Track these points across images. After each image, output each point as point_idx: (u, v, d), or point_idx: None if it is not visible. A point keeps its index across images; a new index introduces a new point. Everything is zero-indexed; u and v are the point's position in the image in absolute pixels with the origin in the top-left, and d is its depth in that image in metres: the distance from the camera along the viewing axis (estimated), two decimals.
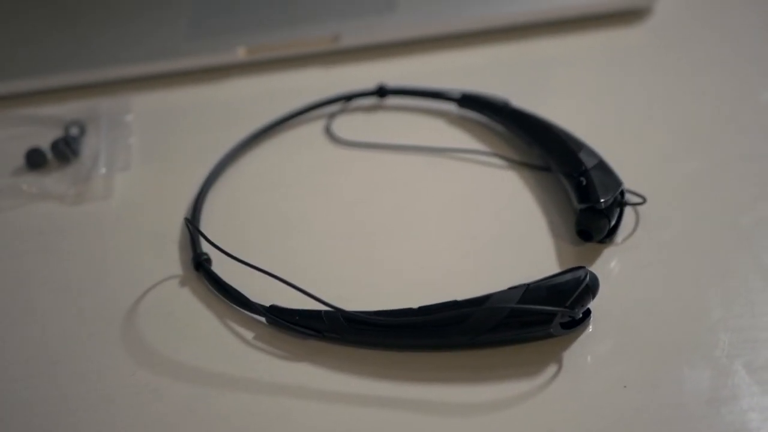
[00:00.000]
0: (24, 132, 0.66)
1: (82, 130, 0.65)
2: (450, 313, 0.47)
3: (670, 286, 0.51)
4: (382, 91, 0.65)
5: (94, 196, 0.61)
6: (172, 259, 0.56)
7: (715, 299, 0.50)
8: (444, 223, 0.57)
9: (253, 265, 0.50)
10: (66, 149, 0.63)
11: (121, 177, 0.62)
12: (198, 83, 0.70)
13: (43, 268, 0.57)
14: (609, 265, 0.53)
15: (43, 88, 0.69)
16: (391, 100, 0.66)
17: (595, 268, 0.51)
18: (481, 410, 0.47)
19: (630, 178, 0.55)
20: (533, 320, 0.47)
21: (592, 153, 0.56)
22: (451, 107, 0.64)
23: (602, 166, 0.55)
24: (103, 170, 0.62)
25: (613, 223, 0.53)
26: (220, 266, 0.53)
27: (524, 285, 0.47)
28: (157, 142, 0.65)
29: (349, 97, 0.66)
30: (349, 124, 0.64)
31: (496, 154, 0.60)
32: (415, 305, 0.48)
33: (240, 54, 0.70)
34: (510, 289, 0.47)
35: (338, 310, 0.48)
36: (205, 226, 0.57)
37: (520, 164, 0.60)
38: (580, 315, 0.48)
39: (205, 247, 0.55)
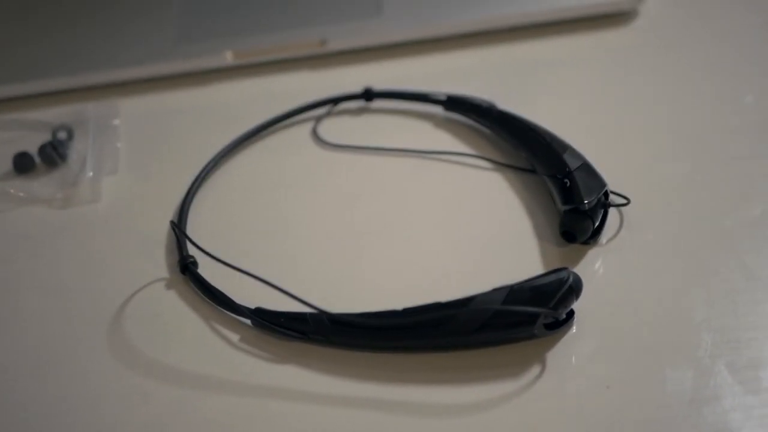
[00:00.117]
0: (11, 136, 0.66)
1: (70, 135, 0.65)
2: (434, 314, 0.48)
3: (654, 287, 0.52)
4: (368, 94, 0.65)
5: (82, 199, 0.61)
6: (158, 263, 0.56)
7: (699, 300, 0.51)
8: (429, 225, 0.57)
9: (238, 267, 0.51)
10: (53, 153, 0.63)
11: (108, 181, 0.62)
12: (186, 87, 0.70)
13: (31, 271, 0.57)
14: (593, 266, 0.53)
15: (31, 92, 0.69)
16: (378, 103, 0.66)
17: (579, 269, 0.51)
18: (466, 411, 0.47)
19: (614, 180, 0.55)
20: (517, 321, 0.47)
21: (576, 155, 0.56)
22: (438, 110, 0.64)
23: (586, 168, 0.55)
24: (90, 174, 0.62)
25: (597, 224, 0.53)
26: (207, 269, 0.54)
27: (508, 286, 0.48)
28: (144, 146, 0.65)
29: (335, 101, 0.66)
30: (336, 127, 0.65)
31: (481, 157, 0.61)
32: (400, 307, 0.48)
33: (228, 58, 0.70)
34: (494, 290, 0.48)
35: (323, 312, 0.49)
36: (191, 229, 0.57)
37: (505, 166, 0.60)
38: (564, 316, 0.48)
39: (192, 250, 0.55)
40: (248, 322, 0.51)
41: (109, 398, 0.50)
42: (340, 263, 0.55)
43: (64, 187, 0.62)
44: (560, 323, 0.48)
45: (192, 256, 0.54)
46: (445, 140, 0.63)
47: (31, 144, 0.64)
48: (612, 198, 0.55)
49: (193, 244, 0.54)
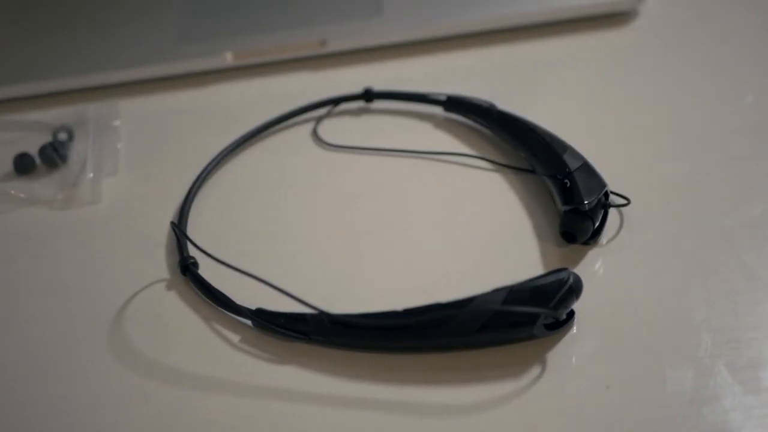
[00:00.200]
0: (12, 137, 0.66)
1: (70, 136, 0.65)
2: (434, 315, 0.48)
3: (654, 287, 0.52)
4: (368, 95, 0.65)
5: (82, 201, 0.61)
6: (159, 263, 0.56)
7: (698, 300, 0.51)
8: (429, 226, 0.57)
9: (239, 268, 0.50)
10: (54, 154, 0.63)
11: (108, 182, 0.62)
12: (186, 88, 0.70)
13: (31, 272, 0.57)
14: (593, 267, 0.53)
15: (31, 93, 0.69)
16: (378, 104, 0.66)
17: (580, 270, 0.51)
18: (466, 411, 0.47)
19: (615, 180, 0.55)
20: (517, 322, 0.47)
21: (576, 155, 0.56)
22: (438, 110, 0.64)
23: (586, 168, 0.55)
24: (90, 175, 0.62)
25: (597, 224, 0.53)
26: (207, 270, 0.54)
27: (508, 287, 0.48)
28: (144, 146, 0.65)
29: (336, 101, 0.66)
30: (336, 128, 0.65)
31: (481, 157, 0.61)
32: (400, 307, 0.48)
33: (228, 59, 0.70)
34: (494, 290, 0.48)
35: (323, 313, 0.49)
36: (192, 230, 0.57)
37: (505, 167, 0.60)
38: (564, 316, 0.48)
39: (192, 251, 0.55)
40: (249, 322, 0.51)
41: (110, 399, 0.50)
42: (340, 264, 0.55)
43: (64, 188, 0.62)
44: (560, 324, 0.48)
45: (192, 257, 0.55)
46: (445, 141, 0.63)
47: (32, 145, 0.64)
48: (612, 198, 0.55)
49: (194, 244, 0.54)
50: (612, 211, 0.55)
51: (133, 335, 0.52)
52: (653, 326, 0.50)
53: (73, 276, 0.57)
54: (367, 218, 0.58)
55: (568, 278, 0.48)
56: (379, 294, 0.52)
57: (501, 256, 0.54)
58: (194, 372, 0.50)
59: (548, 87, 0.67)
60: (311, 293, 0.49)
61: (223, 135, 0.64)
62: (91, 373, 0.51)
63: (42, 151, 0.63)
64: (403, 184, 0.60)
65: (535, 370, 0.48)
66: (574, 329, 0.49)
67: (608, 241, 0.54)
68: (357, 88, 0.66)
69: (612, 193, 0.55)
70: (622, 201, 0.55)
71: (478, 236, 0.56)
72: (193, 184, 0.60)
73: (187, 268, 0.54)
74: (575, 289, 0.48)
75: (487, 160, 0.60)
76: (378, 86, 0.66)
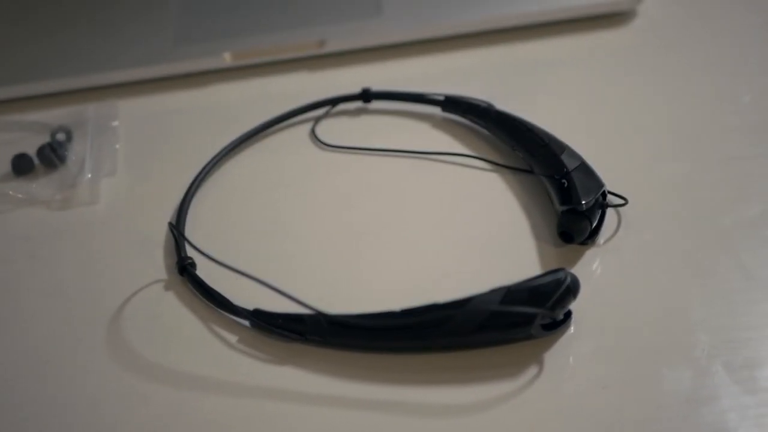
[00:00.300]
0: (10, 138, 0.66)
1: (69, 136, 0.65)
2: (432, 315, 0.48)
3: (651, 287, 0.52)
4: (366, 95, 0.65)
5: (80, 201, 0.61)
6: (157, 264, 0.56)
7: (696, 300, 0.51)
8: (427, 226, 0.57)
9: (236, 268, 0.50)
10: (52, 155, 0.63)
11: (107, 182, 0.63)
12: (184, 88, 0.70)
13: (30, 273, 0.57)
14: (591, 267, 0.53)
15: (30, 94, 0.69)
16: (376, 104, 0.66)
17: (577, 270, 0.52)
18: (464, 411, 0.47)
19: (612, 180, 0.55)
20: (514, 322, 0.47)
21: (574, 155, 0.56)
22: (436, 110, 0.64)
23: (584, 168, 0.55)
24: (89, 176, 0.62)
25: (594, 224, 0.53)
26: (205, 270, 0.54)
27: (505, 287, 0.48)
28: (143, 147, 0.66)
29: (334, 101, 0.66)
30: (334, 128, 0.65)
31: (479, 157, 0.61)
32: (397, 308, 0.48)
33: (226, 59, 0.70)
34: (491, 291, 0.48)
35: (320, 314, 0.49)
36: (190, 230, 0.57)
37: (503, 167, 0.60)
38: (561, 316, 0.48)
39: (190, 251, 0.55)
40: (246, 323, 0.51)
41: (108, 399, 0.50)
42: (338, 264, 0.55)
43: (62, 189, 0.62)
44: (558, 324, 0.48)
45: (190, 258, 0.55)
46: (443, 141, 0.63)
47: (30, 145, 0.64)
48: (610, 198, 0.55)
49: (191, 245, 0.54)
50: (610, 211, 0.55)
51: (130, 335, 0.52)
52: (651, 326, 0.50)
53: (71, 276, 0.57)
54: (365, 218, 0.58)
55: (566, 278, 0.48)
56: (376, 294, 0.52)
57: (499, 256, 0.54)
58: (192, 372, 0.50)
59: (546, 87, 0.67)
60: (309, 293, 0.49)
61: (222, 135, 0.64)
62: (88, 373, 0.51)
63: (40, 151, 0.63)
64: (401, 184, 0.60)
65: (532, 371, 0.48)
66: (572, 329, 0.49)
67: (606, 241, 0.54)
68: (355, 89, 0.66)
69: (610, 193, 0.55)
70: (619, 201, 0.55)
71: (475, 236, 0.56)
72: (191, 184, 0.60)
73: (184, 268, 0.54)
74: (572, 289, 0.48)
75: (485, 160, 0.60)
76: (377, 86, 0.66)
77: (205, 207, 0.60)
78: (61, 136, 0.65)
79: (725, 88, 0.65)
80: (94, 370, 0.51)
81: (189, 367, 0.50)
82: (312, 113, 0.66)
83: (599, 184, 0.54)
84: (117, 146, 0.65)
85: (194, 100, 0.69)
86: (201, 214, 0.59)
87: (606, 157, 0.57)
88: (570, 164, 0.55)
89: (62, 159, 0.64)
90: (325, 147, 0.63)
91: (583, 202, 0.53)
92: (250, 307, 0.51)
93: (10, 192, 0.62)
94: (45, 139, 0.65)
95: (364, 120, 0.66)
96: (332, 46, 0.70)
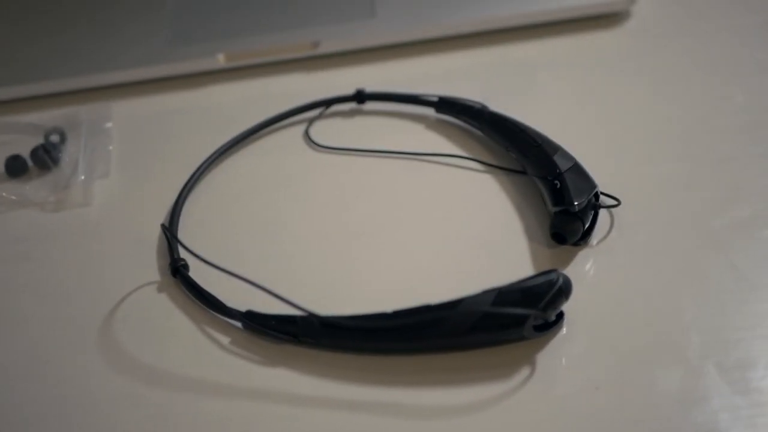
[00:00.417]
0: (4, 139, 0.66)
1: (62, 138, 0.65)
2: (424, 316, 0.48)
3: (644, 288, 0.52)
4: (360, 97, 0.65)
5: (74, 203, 0.61)
6: (150, 266, 0.56)
7: (688, 300, 0.51)
8: (420, 227, 0.57)
9: (228, 270, 0.50)
10: (46, 157, 0.63)
11: (100, 184, 0.63)
12: (178, 90, 0.70)
13: (22, 274, 0.57)
14: (583, 268, 0.53)
15: (23, 95, 0.69)
16: (370, 105, 0.66)
17: (570, 271, 0.52)
18: (455, 413, 0.47)
19: (605, 181, 0.55)
20: (507, 323, 0.48)
21: (567, 156, 0.56)
22: (429, 112, 0.64)
23: (577, 169, 0.55)
24: (82, 177, 0.62)
25: (587, 225, 0.53)
26: (198, 272, 0.54)
27: (497, 288, 0.48)
28: (137, 149, 0.66)
29: (327, 103, 0.66)
30: (328, 130, 0.65)
31: (473, 158, 0.61)
32: (390, 309, 0.48)
33: (220, 60, 0.70)
34: (483, 292, 0.48)
35: (312, 315, 0.49)
36: (183, 232, 0.57)
37: (496, 168, 0.60)
38: (553, 317, 0.48)
39: (183, 252, 0.55)
40: (239, 324, 0.51)
41: (100, 401, 0.50)
42: (331, 265, 0.55)
43: (56, 191, 0.62)
44: (550, 325, 0.48)
45: (183, 259, 0.55)
46: (437, 142, 0.63)
47: (24, 147, 0.64)
48: (602, 199, 0.55)
49: (184, 247, 0.54)
50: (602, 212, 0.55)
51: (123, 337, 0.52)
52: (643, 327, 0.50)
53: (64, 278, 0.57)
54: (358, 220, 0.58)
55: (558, 279, 0.48)
56: (369, 295, 0.52)
57: (491, 257, 0.54)
58: (184, 374, 0.50)
59: (540, 88, 0.67)
60: (302, 295, 0.49)
61: (215, 137, 0.64)
62: (81, 375, 0.51)
63: (34, 153, 0.63)
64: (395, 185, 0.60)
65: (524, 372, 0.48)
66: (564, 330, 0.49)
67: (598, 242, 0.54)
68: (349, 90, 0.66)
69: (602, 194, 0.55)
70: (612, 202, 0.55)
71: (468, 237, 0.56)
72: (185, 186, 0.60)
73: (177, 270, 0.54)
74: (565, 290, 0.48)
75: (479, 161, 0.60)
76: (371, 87, 0.66)
77: (198, 208, 0.60)
78: (54, 138, 0.65)
79: (718, 88, 0.65)
80: (86, 372, 0.51)
81: (182, 368, 0.50)
82: (306, 114, 0.66)
83: (592, 185, 0.54)
84: (110, 148, 0.65)
85: (188, 102, 0.69)
86: (194, 215, 0.59)
87: (599, 158, 0.57)
88: (563, 165, 0.55)
89: (56, 161, 0.64)
90: (319, 148, 0.63)
91: (576, 203, 0.53)
92: (243, 308, 0.51)
93: (4, 194, 0.62)
94: (38, 140, 0.65)
95: (358, 121, 0.66)
96: (326, 48, 0.70)
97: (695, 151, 0.60)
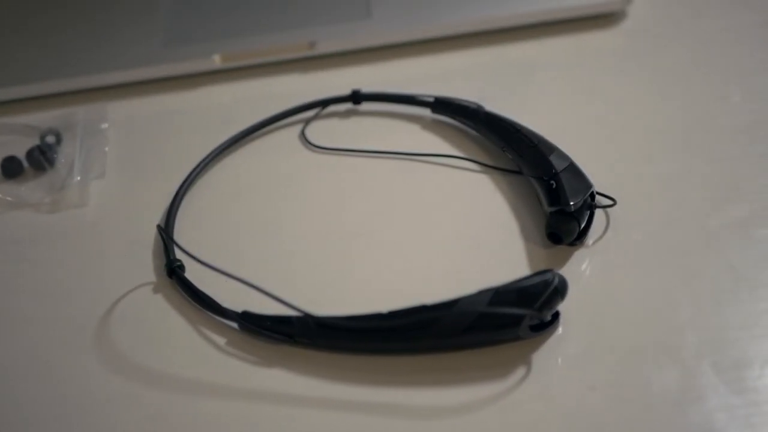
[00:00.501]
0: None
1: (58, 139, 0.65)
2: (419, 317, 0.48)
3: (640, 288, 0.52)
4: (356, 97, 0.65)
5: (70, 204, 0.61)
6: (145, 266, 0.56)
7: (684, 300, 0.51)
8: (416, 227, 0.57)
9: (224, 270, 0.50)
10: (41, 158, 0.63)
11: (96, 185, 0.62)
12: (174, 91, 0.70)
13: (18, 275, 0.57)
14: (579, 268, 0.53)
15: (19, 96, 0.69)
16: (366, 106, 0.66)
17: (565, 271, 0.52)
18: (451, 413, 0.47)
19: (601, 181, 0.55)
20: (502, 323, 0.47)
21: (563, 156, 0.56)
22: (425, 112, 0.64)
23: (573, 169, 0.55)
24: (78, 178, 0.62)
25: (583, 225, 0.53)
26: (194, 273, 0.54)
27: (493, 288, 0.48)
28: (132, 149, 0.65)
29: (324, 103, 0.66)
30: (324, 130, 0.65)
31: (469, 158, 0.61)
32: (385, 309, 0.48)
33: (216, 61, 0.70)
34: (479, 292, 0.48)
35: (308, 315, 0.49)
36: (179, 233, 0.57)
37: (492, 168, 0.60)
38: (549, 317, 0.48)
39: (179, 253, 0.55)
40: (235, 325, 0.51)
41: (96, 401, 0.50)
42: (327, 266, 0.55)
43: (51, 192, 0.62)
44: (546, 325, 0.48)
45: (179, 260, 0.55)
46: (433, 142, 0.63)
47: (19, 148, 0.64)
48: (598, 199, 0.55)
49: (180, 248, 0.54)
50: (598, 212, 0.55)
51: (119, 338, 0.52)
52: (639, 327, 0.50)
53: (60, 279, 0.57)
54: (354, 220, 0.58)
55: (554, 279, 0.48)
56: (365, 295, 0.52)
57: (487, 257, 0.54)
58: (180, 374, 0.50)
59: (536, 88, 0.67)
60: (298, 295, 0.49)
61: (211, 137, 0.64)
62: (77, 376, 0.51)
63: (29, 154, 0.63)
64: (391, 185, 0.60)
65: (520, 372, 0.48)
66: (560, 330, 0.49)
67: (594, 242, 0.54)
68: (345, 90, 0.66)
69: (598, 193, 0.55)
70: (608, 202, 0.55)
71: (464, 237, 0.56)
72: (181, 187, 0.60)
73: (173, 271, 0.54)
74: (560, 290, 0.48)
75: (475, 162, 0.60)
76: (367, 88, 0.66)
77: (194, 209, 0.60)
78: (50, 139, 0.65)
79: (715, 88, 0.65)
80: (82, 372, 0.51)
81: (177, 369, 0.50)
82: (302, 115, 0.66)
83: (588, 185, 0.54)
84: (106, 149, 0.65)
85: (184, 103, 0.69)
86: (190, 216, 0.59)
87: (594, 158, 0.57)
88: (559, 165, 0.55)
89: (51, 162, 0.64)
90: (315, 149, 0.63)
91: (572, 203, 0.53)
92: (239, 309, 0.51)
93: None
94: (34, 141, 0.65)
95: (354, 121, 0.66)
96: (322, 48, 0.70)
97: (691, 151, 0.60)
